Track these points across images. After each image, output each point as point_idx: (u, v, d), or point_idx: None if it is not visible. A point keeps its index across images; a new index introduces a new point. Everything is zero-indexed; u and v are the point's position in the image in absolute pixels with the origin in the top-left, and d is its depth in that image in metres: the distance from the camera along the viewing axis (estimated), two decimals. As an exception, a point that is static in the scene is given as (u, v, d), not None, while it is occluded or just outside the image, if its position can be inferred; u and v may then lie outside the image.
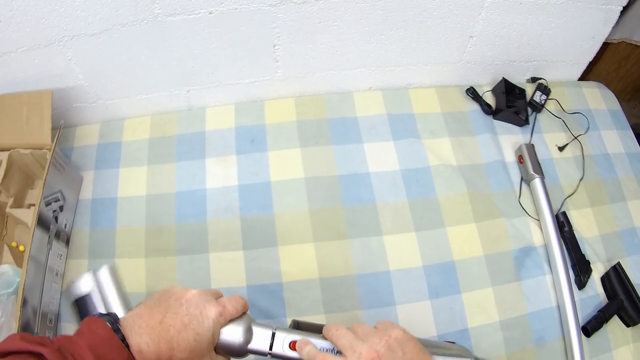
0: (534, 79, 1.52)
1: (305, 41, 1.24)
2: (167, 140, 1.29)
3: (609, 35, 1.49)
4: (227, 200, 1.19)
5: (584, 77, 1.62)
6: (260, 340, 0.71)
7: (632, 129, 1.53)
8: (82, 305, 0.81)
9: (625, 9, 1.38)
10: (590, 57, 1.53)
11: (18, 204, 1.13)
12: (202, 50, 1.20)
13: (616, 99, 1.57)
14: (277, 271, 1.11)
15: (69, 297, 0.85)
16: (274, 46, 1.23)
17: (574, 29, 1.40)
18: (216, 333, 0.68)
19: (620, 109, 1.55)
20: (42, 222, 1.00)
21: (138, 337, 0.61)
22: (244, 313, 0.73)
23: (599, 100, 1.54)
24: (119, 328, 0.60)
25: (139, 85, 1.27)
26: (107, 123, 1.31)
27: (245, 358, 0.73)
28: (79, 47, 1.11)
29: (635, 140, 1.51)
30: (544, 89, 1.46)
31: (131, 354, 0.60)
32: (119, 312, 0.70)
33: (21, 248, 1.11)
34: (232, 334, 0.70)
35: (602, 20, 1.40)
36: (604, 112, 1.52)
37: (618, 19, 1.41)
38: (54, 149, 1.05)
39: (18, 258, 1.08)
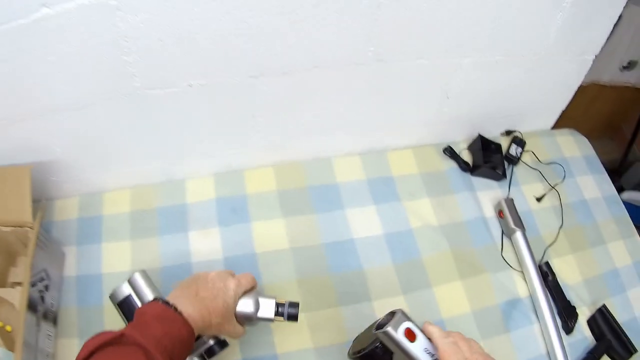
0: (508, 132, 1.66)
1: (285, 111, 1.32)
2: (148, 213, 1.35)
3: (578, 79, 1.62)
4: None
5: (553, 119, 1.76)
6: (266, 309, 1.00)
7: (603, 164, 1.68)
8: (124, 307, 1.05)
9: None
10: (563, 105, 1.67)
11: (1, 283, 1.13)
12: (181, 123, 1.27)
13: (589, 144, 1.73)
14: (270, 342, 1.19)
15: (113, 302, 1.06)
16: (254, 116, 1.31)
17: (548, 80, 1.54)
18: (236, 301, 0.97)
19: (594, 153, 1.71)
20: (29, 304, 1.04)
21: (184, 307, 0.85)
22: (254, 288, 1.02)
23: (573, 147, 1.70)
24: (169, 302, 0.85)
25: (118, 157, 1.33)
26: (86, 196, 1.36)
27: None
28: (59, 121, 1.16)
29: (611, 183, 1.66)
30: (519, 142, 1.60)
31: (184, 317, 0.84)
32: None
33: (8, 328, 1.09)
34: (246, 303, 0.98)
35: (576, 70, 1.54)
36: (578, 159, 1.67)
37: (586, 63, 1.53)
38: (38, 229, 1.09)
39: (4, 337, 1.06)
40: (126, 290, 1.07)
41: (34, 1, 0.89)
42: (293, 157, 1.48)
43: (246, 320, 1.00)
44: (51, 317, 1.15)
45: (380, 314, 1.24)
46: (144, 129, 1.25)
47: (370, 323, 1.23)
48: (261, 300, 1.01)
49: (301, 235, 1.35)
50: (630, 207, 1.63)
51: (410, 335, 0.86)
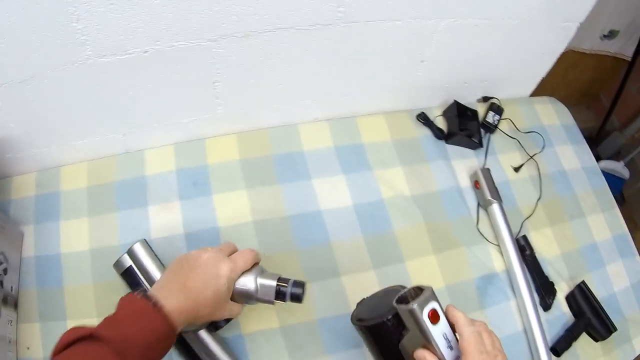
0: (485, 99, 1.63)
1: (247, 76, 1.29)
2: (106, 187, 1.31)
3: (556, 45, 1.60)
4: (175, 251, 1.22)
5: (530, 86, 1.75)
6: (266, 289, 0.96)
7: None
8: (128, 278, 1.09)
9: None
10: (543, 73, 1.65)
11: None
12: (137, 91, 1.24)
13: (569, 113, 1.71)
14: (234, 322, 1.14)
15: (117, 272, 1.11)
16: (214, 83, 1.27)
17: (529, 47, 1.51)
18: (231, 286, 0.92)
19: (574, 122, 1.69)
20: (-13, 291, 1.03)
21: (167, 300, 0.82)
22: (257, 264, 0.98)
23: (552, 115, 1.68)
24: (149, 297, 0.82)
25: (73, 130, 1.29)
26: (43, 172, 1.32)
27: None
28: (7, 95, 1.13)
29: (591, 154, 1.65)
30: (497, 109, 1.57)
31: (164, 313, 0.80)
32: (157, 277, 1.08)
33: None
34: (245, 283, 0.95)
35: (559, 38, 1.52)
36: (557, 127, 1.66)
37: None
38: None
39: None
40: (126, 262, 1.09)
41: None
42: (256, 124, 1.45)
43: (245, 298, 0.98)
44: (11, 302, 1.14)
45: (349, 289, 1.23)
46: (98, 99, 1.22)
47: (340, 301, 1.21)
48: (260, 279, 0.97)
49: (265, 207, 1.31)
50: (606, 176, 1.63)
51: (434, 317, 0.81)
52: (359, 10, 1.20)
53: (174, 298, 0.84)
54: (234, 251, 0.98)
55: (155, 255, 1.11)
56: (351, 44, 1.29)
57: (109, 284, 1.17)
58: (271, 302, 0.97)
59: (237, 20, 1.12)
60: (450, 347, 0.81)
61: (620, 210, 1.58)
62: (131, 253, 1.09)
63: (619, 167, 2.52)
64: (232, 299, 0.95)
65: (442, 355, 0.80)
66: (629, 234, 1.57)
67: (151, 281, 1.07)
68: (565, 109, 1.73)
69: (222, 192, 1.32)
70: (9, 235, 1.17)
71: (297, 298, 0.96)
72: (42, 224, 1.25)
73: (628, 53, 2.41)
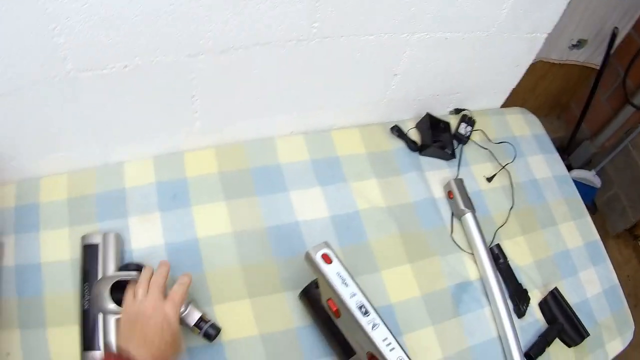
0: (457, 110, 1.75)
1: (224, 90, 1.37)
2: (86, 199, 1.37)
3: (525, 56, 1.70)
4: (155, 261, 1.24)
5: (500, 98, 1.85)
6: (190, 316, 1.15)
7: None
8: (87, 251, 1.23)
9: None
10: (513, 84, 1.77)
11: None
12: (116, 105, 1.29)
13: (540, 123, 1.84)
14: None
15: (82, 242, 1.25)
16: (192, 97, 1.34)
17: (498, 59, 1.62)
18: (178, 319, 1.07)
19: (545, 132, 1.82)
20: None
21: (137, 351, 0.97)
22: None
23: (523, 126, 1.81)
24: (121, 355, 0.98)
25: (53, 143, 1.35)
26: (23, 183, 1.38)
27: None
28: None
29: (562, 163, 1.78)
30: (469, 120, 1.70)
31: None
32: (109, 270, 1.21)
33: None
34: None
35: (527, 49, 1.63)
36: (528, 138, 1.79)
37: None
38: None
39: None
40: (97, 239, 1.23)
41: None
42: (234, 138, 1.53)
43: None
44: (-8, 309, 1.20)
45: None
46: (78, 112, 1.29)
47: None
48: (191, 307, 1.17)
49: (244, 218, 1.40)
50: (578, 185, 1.74)
51: (326, 258, 1.11)
52: (333, 25, 1.29)
53: (141, 349, 0.99)
54: (151, 275, 1.13)
55: (120, 256, 1.25)
56: (325, 59, 1.38)
57: (90, 292, 1.23)
58: (188, 327, 1.16)
59: (214, 36, 1.20)
60: (346, 284, 1.09)
61: (593, 219, 1.68)
62: (105, 238, 1.23)
63: (590, 176, 2.64)
64: None
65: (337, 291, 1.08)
66: (600, 241, 1.68)
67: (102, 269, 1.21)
68: (536, 119, 1.85)
69: (202, 204, 1.40)
70: (-12, 244, 1.23)
71: (208, 336, 1.17)
72: (21, 234, 1.31)
73: (596, 62, 2.52)
